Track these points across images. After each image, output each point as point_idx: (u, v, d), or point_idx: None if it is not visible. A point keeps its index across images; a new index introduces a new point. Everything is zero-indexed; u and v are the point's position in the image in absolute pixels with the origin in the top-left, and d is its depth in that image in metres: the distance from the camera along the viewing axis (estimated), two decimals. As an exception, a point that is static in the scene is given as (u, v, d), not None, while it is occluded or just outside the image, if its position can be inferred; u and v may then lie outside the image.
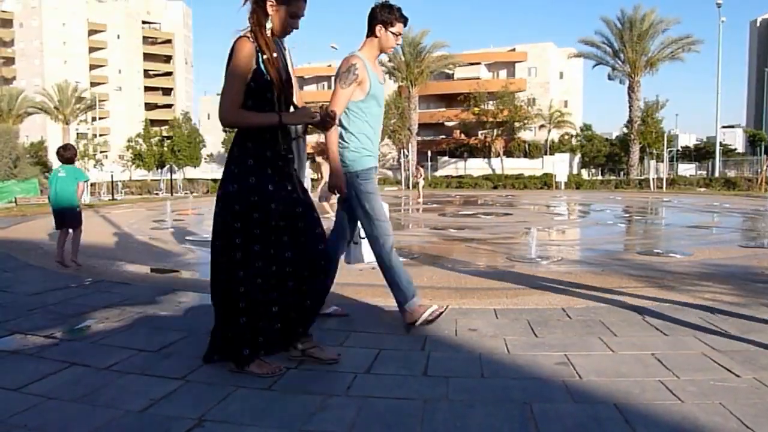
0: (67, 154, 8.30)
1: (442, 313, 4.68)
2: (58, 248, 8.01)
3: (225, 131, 68.98)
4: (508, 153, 61.43)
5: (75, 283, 6.67)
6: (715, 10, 41.77)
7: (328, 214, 13.68)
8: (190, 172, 61.41)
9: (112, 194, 29.99)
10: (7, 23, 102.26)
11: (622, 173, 54.72)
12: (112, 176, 33.65)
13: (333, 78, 4.65)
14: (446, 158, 63.97)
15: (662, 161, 41.10)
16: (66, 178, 7.97)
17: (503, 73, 71.38)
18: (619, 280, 6.77)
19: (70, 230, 8.12)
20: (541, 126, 62.56)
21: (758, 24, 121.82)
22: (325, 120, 3.66)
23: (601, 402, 3.21)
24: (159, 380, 3.60)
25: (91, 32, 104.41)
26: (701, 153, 66.89)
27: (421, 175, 30.82)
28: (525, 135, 61.95)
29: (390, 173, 54.88)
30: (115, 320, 5.02)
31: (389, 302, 5.61)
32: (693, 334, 4.44)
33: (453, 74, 70.23)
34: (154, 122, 79.28)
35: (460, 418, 3.04)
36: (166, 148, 61.08)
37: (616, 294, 5.90)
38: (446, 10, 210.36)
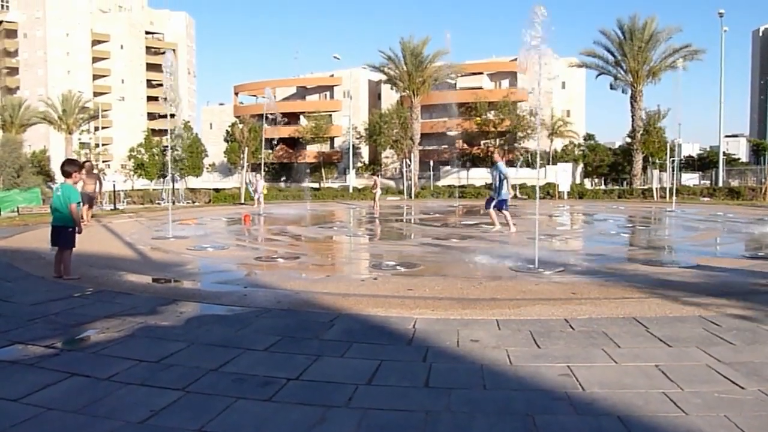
0: (63, 169, 8.08)
1: None
2: (56, 264, 7.89)
3: (227, 141, 69.17)
4: (511, 162, 61.46)
5: (76, 293, 6.66)
6: (718, 20, 41.89)
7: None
8: (192, 181, 61.50)
9: (114, 204, 29.99)
10: (12, 33, 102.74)
11: (625, 183, 54.62)
12: (114, 186, 33.61)
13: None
14: (448, 168, 63.99)
15: (665, 171, 41.03)
16: (60, 197, 7.73)
17: (505, 83, 71.50)
18: (622, 290, 6.75)
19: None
20: (548, 135, 62.50)
21: (761, 33, 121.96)
22: None
23: (605, 414, 3.19)
24: (159, 391, 3.59)
25: (95, 42, 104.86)
26: (705, 162, 66.76)
27: (377, 186, 27.95)
28: (528, 145, 61.96)
29: (392, 183, 54.81)
30: (115, 330, 5.01)
31: (390, 312, 5.61)
32: (697, 346, 4.42)
33: (455, 84, 70.39)
34: (156, 132, 79.49)
35: (462, 430, 3.02)
36: (168, 158, 61.27)
37: (619, 305, 5.88)
38: (448, 20, 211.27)
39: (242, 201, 33.61)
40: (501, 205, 14.54)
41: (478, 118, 61.13)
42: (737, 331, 4.80)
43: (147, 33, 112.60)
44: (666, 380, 3.69)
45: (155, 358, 4.22)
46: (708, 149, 75.76)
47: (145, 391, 3.60)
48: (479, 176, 56.03)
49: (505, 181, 14.49)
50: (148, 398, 3.47)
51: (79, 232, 7.90)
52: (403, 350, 4.45)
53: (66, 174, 7.95)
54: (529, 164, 59.74)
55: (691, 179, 53.13)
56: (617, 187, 52.31)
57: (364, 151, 74.29)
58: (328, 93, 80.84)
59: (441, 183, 52.46)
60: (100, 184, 18.73)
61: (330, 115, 76.51)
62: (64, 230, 7.74)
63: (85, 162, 17.75)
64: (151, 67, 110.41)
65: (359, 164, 70.69)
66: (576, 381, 3.69)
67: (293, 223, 18.69)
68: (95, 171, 18.93)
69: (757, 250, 11.43)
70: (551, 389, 3.57)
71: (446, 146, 71.14)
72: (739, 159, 75.90)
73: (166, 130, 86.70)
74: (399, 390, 3.59)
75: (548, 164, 53.39)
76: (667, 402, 3.33)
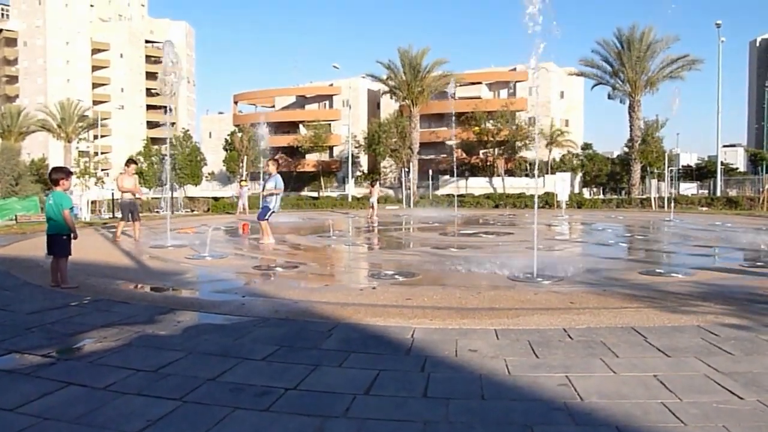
0: (51, 176, 8.10)
1: None
2: (52, 272, 7.87)
3: (226, 150, 69.21)
4: (510, 172, 61.54)
5: (74, 302, 6.64)
6: (715, 31, 42.03)
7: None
8: (191, 190, 61.52)
9: (113, 212, 29.99)
10: (12, 42, 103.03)
11: (623, 192, 54.74)
12: (112, 194, 33.57)
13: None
14: (447, 177, 64.07)
15: (663, 180, 41.13)
16: (53, 206, 7.74)
17: (504, 93, 71.68)
18: (621, 300, 6.74)
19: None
20: (547, 145, 62.66)
21: (758, 44, 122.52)
22: None
23: (603, 424, 3.18)
24: (156, 401, 3.57)
25: (95, 51, 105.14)
26: (703, 172, 66.85)
27: (372, 194, 26.47)
28: (527, 154, 62.06)
29: (391, 192, 54.84)
30: (113, 339, 4.99)
31: (388, 322, 5.60)
32: (695, 356, 4.41)
33: (454, 93, 70.57)
34: (155, 140, 79.55)
35: (460, 440, 3.01)
36: (167, 166, 61.35)
37: (618, 314, 5.87)
38: (447, 30, 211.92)
39: (241, 210, 33.61)
40: (265, 213, 14.20)
41: (476, 128, 61.23)
42: (736, 341, 4.79)
43: (147, 42, 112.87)
44: (664, 390, 3.68)
45: (152, 367, 4.21)
46: (706, 159, 75.98)
47: (142, 400, 3.58)
48: (478, 185, 56.13)
49: (273, 193, 14.17)
50: (145, 408, 3.45)
51: (75, 238, 7.88)
52: (401, 360, 4.43)
53: (54, 182, 7.97)
54: (528, 174, 59.86)
55: (689, 189, 53.23)
56: (616, 196, 52.36)
57: (363, 160, 74.36)
58: (327, 102, 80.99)
59: (440, 192, 52.49)
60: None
61: (329, 124, 76.61)
62: (59, 238, 7.75)
63: (129, 161, 15.56)
64: (151, 75, 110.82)
65: (358, 173, 70.73)
66: (574, 391, 3.68)
67: (292, 232, 18.68)
68: (134, 173, 15.74)
69: (755, 259, 11.43)
70: (550, 399, 3.56)
71: (445, 155, 71.26)
72: (737, 168, 76.08)
73: (165, 139, 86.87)
74: (397, 400, 3.58)
75: (547, 174, 53.47)
76: (665, 412, 3.32)
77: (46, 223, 7.94)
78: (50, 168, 8.43)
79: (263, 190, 14.69)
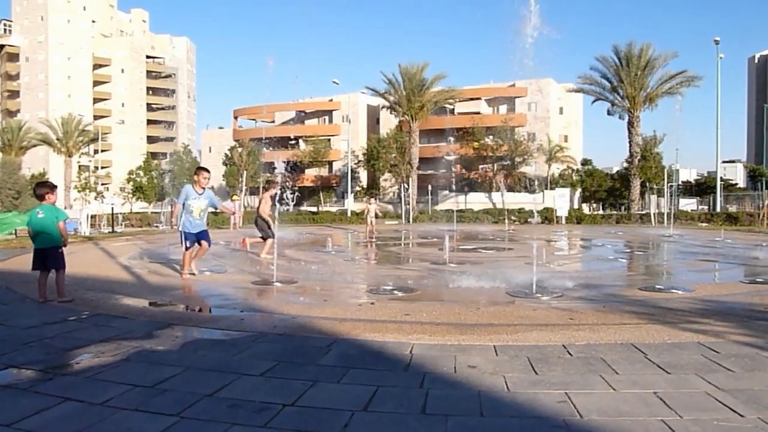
0: (37, 192, 7.98)
1: None
2: (40, 288, 7.72)
3: (225, 165, 69.31)
4: (509, 187, 61.62)
5: (72, 317, 6.62)
6: (714, 47, 42.24)
7: None
8: (191, 204, 61.32)
9: (112, 226, 30.01)
10: (14, 57, 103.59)
11: (623, 208, 54.81)
12: (112, 208, 33.66)
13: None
14: (447, 192, 64.12)
15: (663, 196, 41.16)
16: (45, 218, 7.60)
17: (503, 108, 71.96)
18: (621, 316, 6.72)
19: (54, 270, 7.79)
20: (546, 160, 62.79)
21: (756, 60, 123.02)
22: None
23: (603, 442, 3.16)
24: (153, 416, 3.55)
25: (96, 66, 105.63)
26: (702, 188, 66.86)
27: (369, 212, 24.51)
28: (526, 169, 62.16)
29: (390, 207, 54.85)
30: (110, 355, 4.97)
31: (387, 337, 5.58)
32: (696, 373, 4.39)
33: (453, 109, 70.81)
34: (156, 155, 79.76)
35: (459, 458, 2.99)
36: (167, 181, 61.52)
37: (618, 331, 5.85)
38: (445, 47, 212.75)
39: (241, 224, 33.67)
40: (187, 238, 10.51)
41: (476, 143, 61.37)
42: (736, 358, 4.78)
43: (148, 57, 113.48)
44: (665, 408, 3.66)
45: (150, 382, 4.19)
46: (705, 175, 76.14)
47: (140, 416, 3.57)
48: (478, 201, 56.12)
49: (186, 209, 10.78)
50: (142, 424, 3.43)
51: (65, 246, 7.83)
52: (399, 376, 4.41)
53: (40, 197, 7.87)
54: (528, 189, 59.90)
55: (688, 204, 53.22)
56: (615, 212, 52.41)
57: (363, 175, 74.49)
58: (326, 117, 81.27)
59: (439, 207, 52.44)
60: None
61: (329, 140, 76.86)
62: (54, 251, 7.66)
63: (270, 180, 13.60)
64: (152, 90, 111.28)
65: (357, 188, 70.79)
66: (574, 408, 3.67)
67: (291, 246, 18.66)
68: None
69: (755, 275, 11.41)
70: (549, 416, 3.54)
71: (444, 170, 71.36)
72: (736, 184, 76.17)
73: (165, 154, 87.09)
74: (395, 417, 3.56)
75: (546, 189, 53.55)
76: (665, 430, 3.30)
77: (37, 237, 7.73)
78: (37, 183, 8.36)
79: (191, 210, 10.79)
